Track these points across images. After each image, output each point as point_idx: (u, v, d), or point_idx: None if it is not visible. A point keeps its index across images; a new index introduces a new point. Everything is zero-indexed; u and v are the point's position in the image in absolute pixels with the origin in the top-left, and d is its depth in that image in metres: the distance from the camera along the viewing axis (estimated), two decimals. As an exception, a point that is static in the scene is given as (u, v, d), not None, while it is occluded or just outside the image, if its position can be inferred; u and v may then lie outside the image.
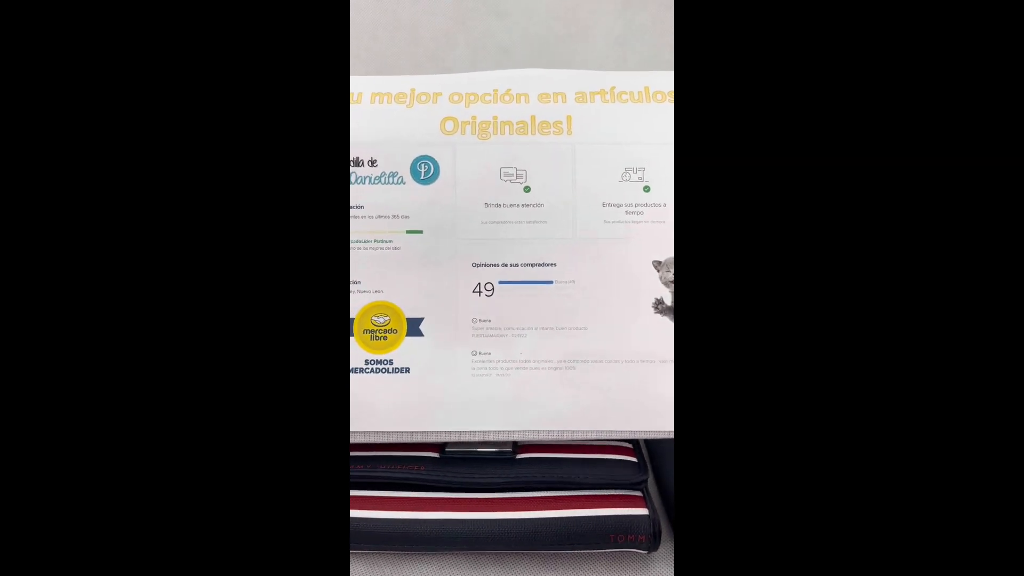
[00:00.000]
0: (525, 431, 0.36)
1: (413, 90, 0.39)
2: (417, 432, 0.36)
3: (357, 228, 0.37)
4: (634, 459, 0.37)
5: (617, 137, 0.38)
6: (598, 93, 0.39)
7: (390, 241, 0.37)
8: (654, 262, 0.37)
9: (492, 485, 0.35)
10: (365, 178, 0.38)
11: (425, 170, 0.38)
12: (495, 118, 0.38)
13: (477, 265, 0.37)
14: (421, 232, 0.37)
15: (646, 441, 0.45)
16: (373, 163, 0.38)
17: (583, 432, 0.36)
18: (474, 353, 0.37)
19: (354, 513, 0.34)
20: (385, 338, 0.37)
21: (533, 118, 0.38)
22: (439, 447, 0.38)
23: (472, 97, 0.39)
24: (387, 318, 0.37)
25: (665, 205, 0.37)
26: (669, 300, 0.36)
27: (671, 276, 0.36)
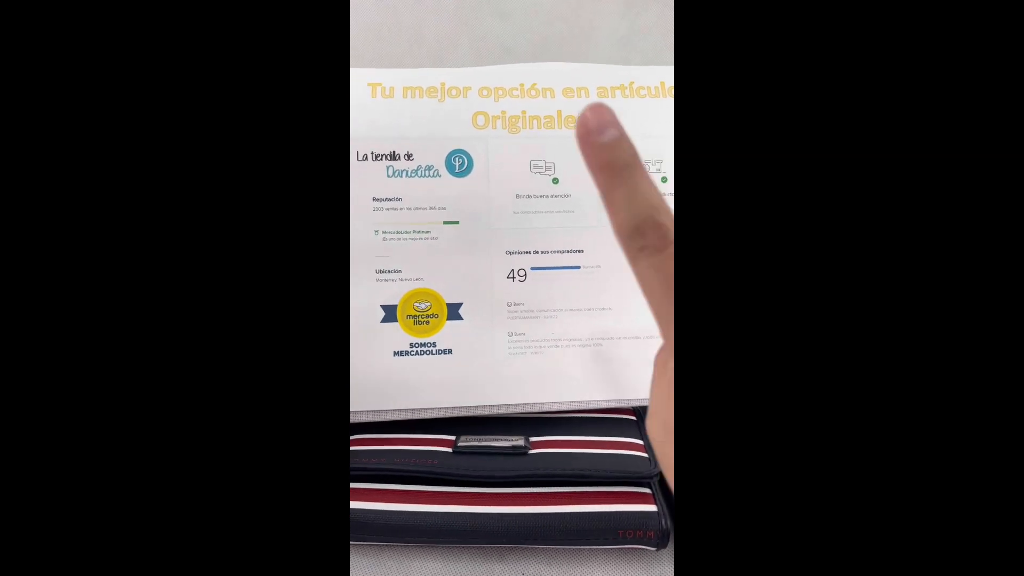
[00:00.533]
0: (558, 402, 0.40)
1: (444, 84, 0.41)
2: (461, 408, 0.40)
3: (397, 220, 0.40)
4: (645, 454, 0.38)
5: (636, 130, 0.40)
6: (618, 88, 0.41)
7: (428, 232, 0.40)
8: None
9: (504, 478, 0.35)
10: (402, 171, 0.40)
11: (459, 163, 0.40)
12: (523, 113, 0.40)
13: (510, 253, 0.40)
14: (458, 223, 0.40)
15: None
16: (410, 157, 0.40)
17: (610, 401, 0.40)
18: (510, 334, 0.40)
19: (363, 505, 0.34)
20: (427, 322, 0.40)
21: (559, 112, 0.41)
22: (452, 442, 0.39)
23: (500, 92, 0.41)
24: (428, 304, 0.40)
25: (681, 194, 0.41)
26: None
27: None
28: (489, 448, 0.38)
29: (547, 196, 0.40)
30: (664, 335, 0.21)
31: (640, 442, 0.39)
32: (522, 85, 0.41)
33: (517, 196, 0.40)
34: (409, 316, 0.40)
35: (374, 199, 0.40)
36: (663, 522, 0.34)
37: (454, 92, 0.41)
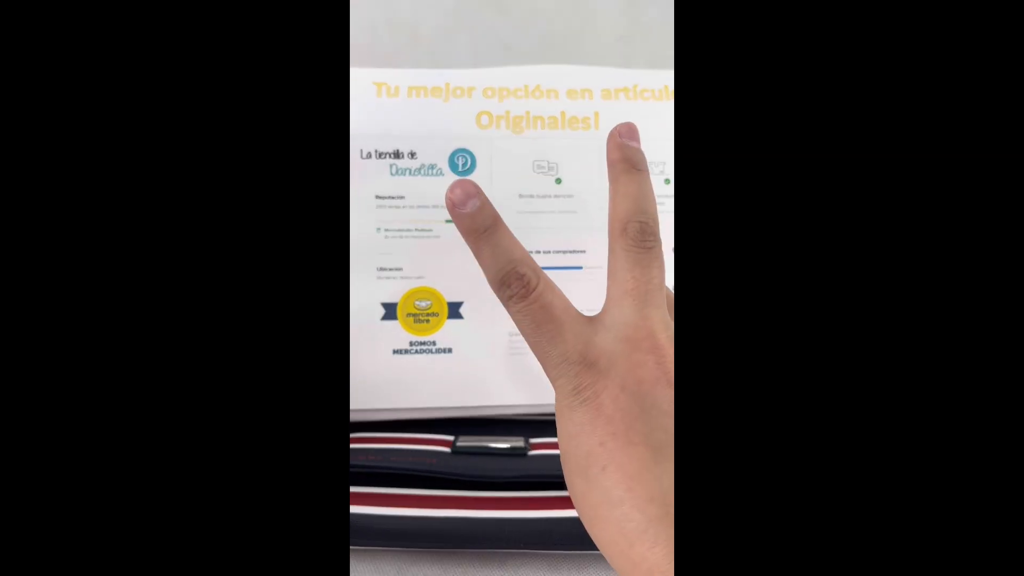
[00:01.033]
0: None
1: (448, 84, 0.41)
2: (461, 407, 0.39)
3: (399, 217, 0.39)
4: None
5: (640, 132, 0.41)
6: (622, 90, 0.41)
7: (430, 230, 0.39)
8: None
9: (504, 479, 0.35)
10: (405, 170, 0.40)
11: (463, 162, 0.40)
12: (527, 113, 0.41)
13: None
14: (460, 221, 0.40)
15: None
16: (413, 155, 0.40)
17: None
18: (511, 334, 0.40)
19: (362, 510, 0.34)
20: (428, 321, 0.39)
21: (563, 113, 0.41)
22: (451, 442, 0.38)
23: (504, 92, 0.41)
24: (429, 302, 0.40)
25: (685, 196, 0.41)
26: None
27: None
28: (488, 449, 0.37)
29: (550, 196, 0.40)
30: (549, 377, 0.23)
31: None
32: (526, 86, 0.41)
33: (520, 196, 0.40)
34: (409, 314, 0.39)
35: (377, 196, 0.39)
36: None
37: (458, 92, 0.41)
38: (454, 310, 0.40)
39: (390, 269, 0.39)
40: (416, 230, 0.39)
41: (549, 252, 0.40)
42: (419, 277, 0.40)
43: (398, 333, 0.39)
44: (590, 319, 0.24)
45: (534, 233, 0.40)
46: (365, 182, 0.39)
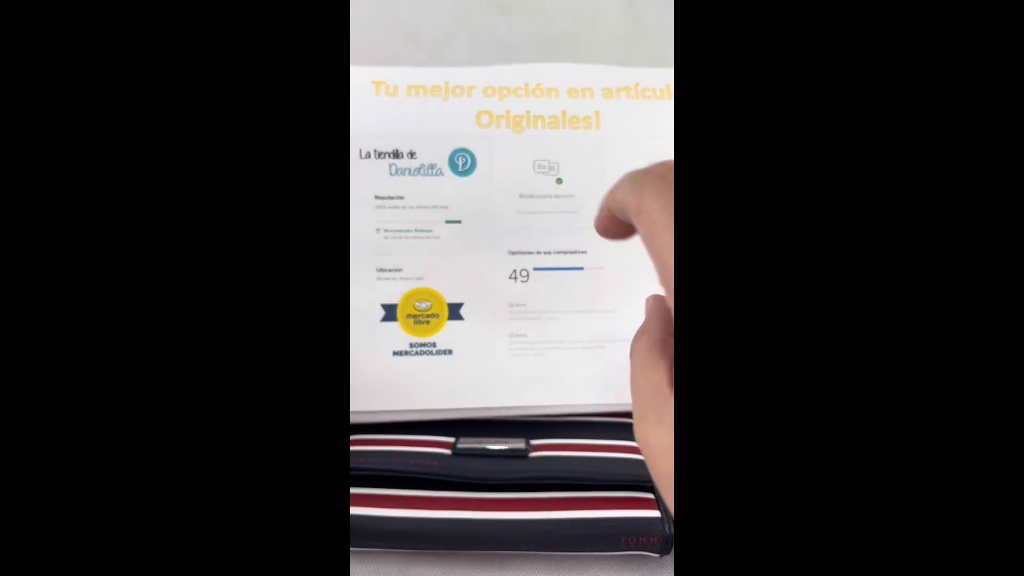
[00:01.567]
0: (560, 404, 0.40)
1: (447, 83, 0.41)
2: (461, 409, 0.39)
3: (399, 218, 0.39)
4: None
5: (642, 132, 0.41)
6: (623, 89, 0.41)
7: (430, 231, 0.39)
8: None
9: (505, 481, 0.35)
10: (405, 170, 0.39)
11: (463, 162, 0.40)
12: (528, 112, 0.40)
13: (513, 253, 0.40)
14: (460, 222, 0.39)
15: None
16: (412, 155, 0.39)
17: (611, 404, 0.40)
18: (511, 335, 0.39)
19: (363, 511, 0.34)
20: (428, 322, 0.39)
21: (564, 113, 0.40)
22: (451, 444, 0.38)
23: (505, 91, 0.41)
24: (429, 303, 0.39)
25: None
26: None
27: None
28: (489, 451, 0.37)
29: (551, 196, 0.40)
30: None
31: None
32: (527, 85, 0.41)
33: (520, 196, 0.40)
34: (409, 315, 0.39)
35: (376, 197, 0.39)
36: (666, 528, 0.33)
37: (458, 91, 0.41)
38: (454, 311, 0.39)
39: (390, 270, 0.39)
40: (416, 231, 0.39)
41: (549, 252, 0.40)
42: (419, 278, 0.39)
43: (398, 334, 0.39)
44: None
45: (534, 233, 0.40)
46: (364, 182, 0.39)
